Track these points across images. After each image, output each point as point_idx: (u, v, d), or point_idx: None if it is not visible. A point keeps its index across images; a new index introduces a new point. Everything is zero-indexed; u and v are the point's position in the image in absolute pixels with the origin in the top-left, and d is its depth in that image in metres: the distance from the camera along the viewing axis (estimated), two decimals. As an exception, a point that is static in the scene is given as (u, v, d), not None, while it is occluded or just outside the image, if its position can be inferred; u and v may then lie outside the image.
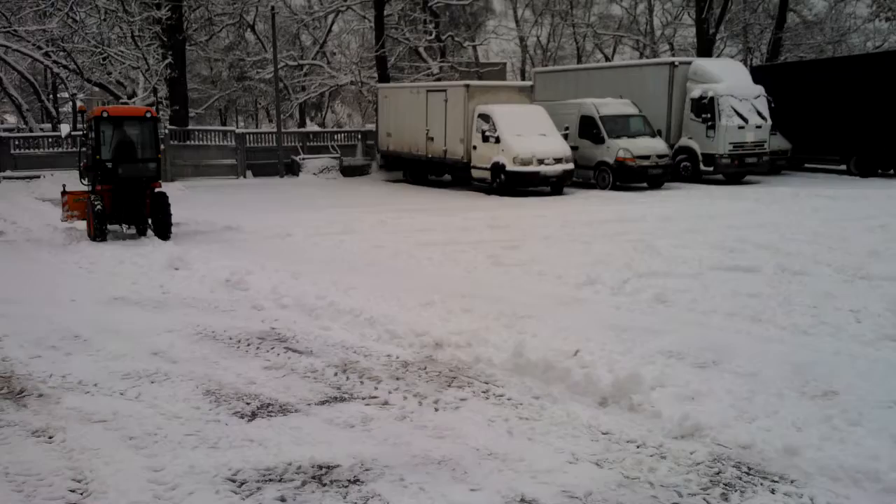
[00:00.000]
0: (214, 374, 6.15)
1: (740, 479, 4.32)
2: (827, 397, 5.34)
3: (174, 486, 4.24)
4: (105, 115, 12.67)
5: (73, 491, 4.22)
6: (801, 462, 4.42)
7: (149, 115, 13.12)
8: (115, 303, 8.61)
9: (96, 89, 30.96)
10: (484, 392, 5.70)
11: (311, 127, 33.01)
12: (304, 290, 8.61)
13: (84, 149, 13.69)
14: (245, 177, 26.24)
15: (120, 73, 27.60)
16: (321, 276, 9.40)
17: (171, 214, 12.92)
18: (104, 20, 26.81)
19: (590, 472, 4.41)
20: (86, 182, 13.28)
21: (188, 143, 25.96)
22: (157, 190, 13.03)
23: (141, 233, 13.04)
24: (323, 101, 41.06)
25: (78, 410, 5.36)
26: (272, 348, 6.86)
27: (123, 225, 13.23)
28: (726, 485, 4.26)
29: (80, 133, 14.61)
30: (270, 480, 4.34)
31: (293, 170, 26.80)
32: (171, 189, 20.04)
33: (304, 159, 26.93)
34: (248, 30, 36.24)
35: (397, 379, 6.00)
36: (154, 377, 6.08)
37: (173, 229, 13.17)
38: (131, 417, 5.22)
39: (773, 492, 4.17)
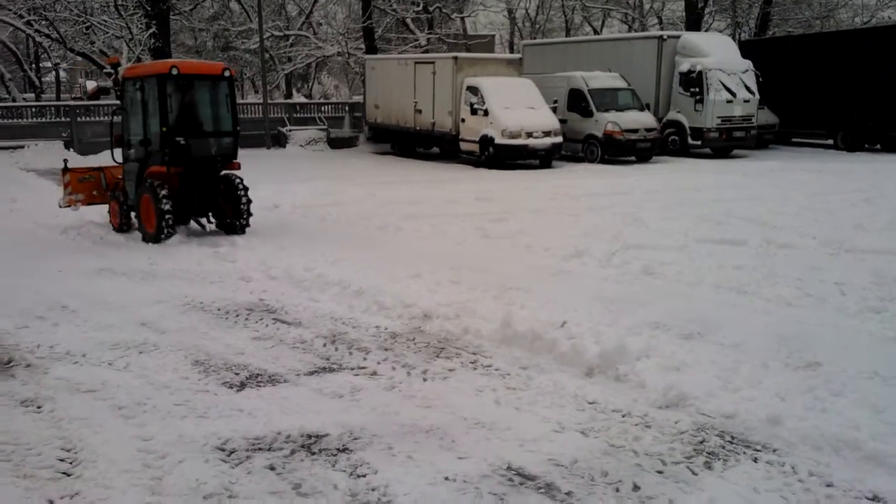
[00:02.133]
0: (203, 345, 6.16)
1: (723, 447, 4.39)
2: (810, 368, 5.41)
3: (163, 454, 4.26)
4: (174, 71, 9.71)
5: (62, 460, 4.24)
6: (784, 431, 4.49)
7: (227, 73, 10.28)
8: (102, 273, 8.57)
9: (79, 59, 30.53)
10: (472, 363, 5.75)
11: (298, 98, 32.79)
12: (292, 262, 8.60)
13: (116, 116, 11.12)
14: (231, 149, 26.01)
15: (103, 42, 27.23)
16: (309, 248, 9.38)
17: (249, 200, 10.42)
18: (87, -12, 26.39)
19: (576, 441, 4.46)
20: (118, 161, 10.96)
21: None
22: (224, 172, 10.52)
23: (227, 229, 10.52)
24: (309, 72, 40.71)
25: (66, 380, 5.36)
26: (261, 319, 6.87)
27: (202, 220, 10.69)
28: (710, 453, 4.32)
29: (111, 90, 12.49)
30: (260, 449, 4.37)
31: (280, 141, 26.61)
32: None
33: (290, 131, 26.74)
34: (233, -1, 35.76)
35: (386, 350, 6.03)
36: (142, 347, 6.08)
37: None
38: (120, 387, 5.23)
39: (755, 460, 4.24)
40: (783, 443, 4.41)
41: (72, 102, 26.68)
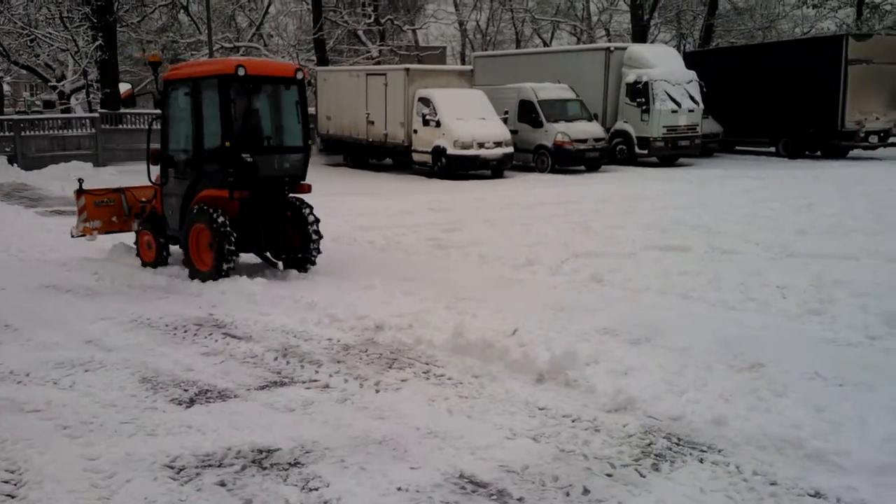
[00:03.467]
0: (151, 362, 6.06)
1: (670, 449, 4.49)
2: (754, 370, 5.56)
3: (111, 473, 4.19)
4: (241, 72, 8.03)
5: (6, 482, 4.13)
6: (729, 432, 4.59)
7: (299, 74, 8.66)
8: (46, 290, 8.38)
9: (24, 72, 29.85)
10: (425, 373, 5.77)
11: (249, 110, 32.42)
12: (242, 275, 8.51)
13: (153, 125, 9.12)
14: (180, 161, 25.67)
15: (48, 55, 26.66)
16: (260, 261, 9.30)
17: (319, 234, 8.80)
18: (31, 1, 25.82)
19: (527, 447, 4.51)
20: (153, 181, 9.28)
21: (120, 126, 25.23)
22: (291, 195, 8.83)
23: (291, 264, 8.83)
24: (260, 84, 40.28)
25: (10, 400, 5.23)
26: (210, 334, 6.79)
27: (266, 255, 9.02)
28: (657, 455, 4.41)
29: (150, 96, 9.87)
30: (210, 466, 4.32)
31: (230, 154, 26.30)
32: (103, 175, 19.64)
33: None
34: (182, 11, 35.36)
35: (338, 362, 6.02)
36: (88, 365, 5.95)
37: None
38: (65, 406, 5.12)
39: (701, 461, 4.34)
40: (728, 443, 4.51)
41: (16, 116, 26.00)
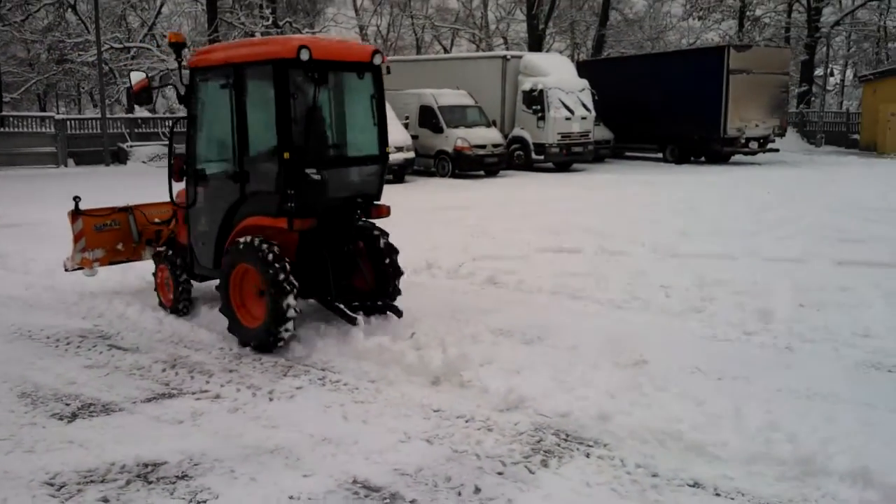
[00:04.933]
0: (31, 376, 5.77)
1: (559, 445, 4.62)
2: (638, 366, 5.79)
3: (-17, 495, 3.97)
4: (305, 55, 5.84)
5: None
6: (614, 427, 4.75)
7: (377, 58, 6.46)
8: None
9: None
10: (320, 379, 5.72)
11: (141, 112, 31.32)
12: (132, 284, 8.22)
13: (176, 126, 7.44)
14: (66, 165, 24.54)
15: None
16: (150, 269, 8.98)
17: (399, 270, 6.93)
18: None
19: (421, 449, 4.55)
20: (177, 202, 7.27)
21: (1, 129, 23.88)
22: (362, 221, 6.84)
23: (372, 312, 6.79)
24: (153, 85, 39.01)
25: None
26: (94, 346, 6.52)
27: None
28: (546, 452, 4.54)
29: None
30: (92, 482, 4.16)
31: (120, 158, 25.35)
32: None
33: (131, 146, 25.53)
34: (69, 10, 33.76)
35: (230, 371, 5.90)
36: (-41, 383, 5.62)
37: None
38: (-67, 427, 4.82)
39: (588, 456, 4.48)
40: (613, 437, 4.67)
41: None
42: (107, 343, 6.61)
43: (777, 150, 25.70)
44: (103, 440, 4.67)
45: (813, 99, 38.65)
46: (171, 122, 7.20)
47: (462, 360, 5.66)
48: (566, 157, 23.15)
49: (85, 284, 8.33)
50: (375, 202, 6.78)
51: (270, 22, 30.81)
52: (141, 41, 32.65)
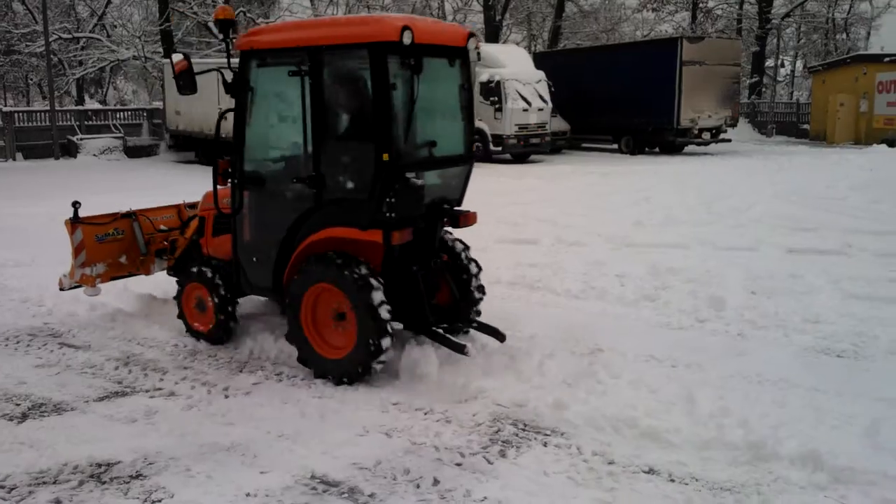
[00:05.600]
0: (-24, 377, 5.63)
1: (517, 435, 4.66)
2: (593, 354, 5.87)
3: (-72, 500, 3.87)
4: (408, 38, 4.95)
5: None
6: (570, 415, 4.81)
7: (471, 42, 5.69)
8: None
9: None
10: (277, 375, 5.68)
11: (91, 104, 30.65)
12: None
13: (223, 117, 5.77)
14: (14, 159, 23.91)
15: None
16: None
17: (480, 284, 6.26)
18: None
19: (379, 442, 4.55)
20: (223, 210, 5.96)
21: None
22: (443, 229, 6.04)
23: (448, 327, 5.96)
24: (104, 76, 38.17)
25: None
26: (45, 345, 6.38)
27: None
28: (504, 442, 4.57)
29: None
30: (44, 483, 4.08)
31: (70, 151, 24.75)
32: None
33: (82, 139, 24.95)
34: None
35: (185, 368, 5.82)
36: None
37: None
38: None
39: (545, 445, 4.53)
40: (569, 426, 4.73)
41: None
42: (57, 341, 6.48)
43: (729, 141, 26.14)
44: (55, 440, 4.58)
45: (764, 90, 39.45)
46: (220, 112, 4.99)
47: (420, 351, 5.65)
48: (524, 149, 23.25)
49: (31, 281, 8.14)
50: (459, 209, 5.95)
51: (224, 12, 30.33)
52: (90, 31, 31.88)
